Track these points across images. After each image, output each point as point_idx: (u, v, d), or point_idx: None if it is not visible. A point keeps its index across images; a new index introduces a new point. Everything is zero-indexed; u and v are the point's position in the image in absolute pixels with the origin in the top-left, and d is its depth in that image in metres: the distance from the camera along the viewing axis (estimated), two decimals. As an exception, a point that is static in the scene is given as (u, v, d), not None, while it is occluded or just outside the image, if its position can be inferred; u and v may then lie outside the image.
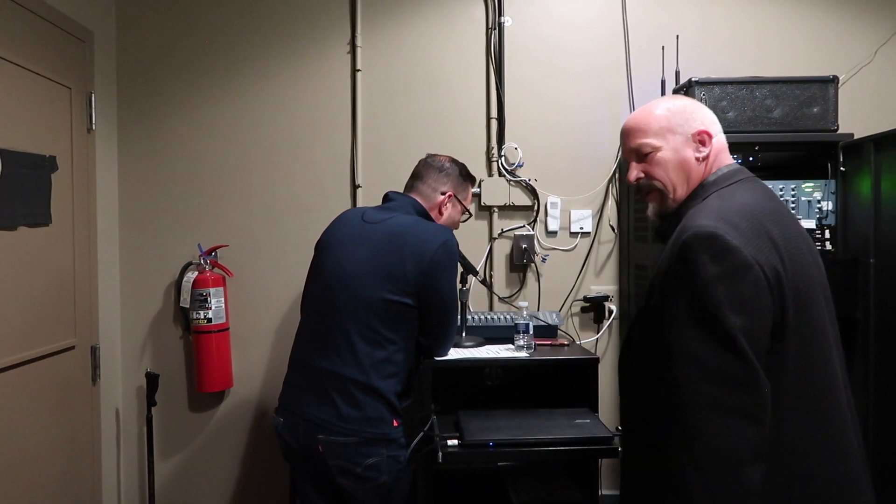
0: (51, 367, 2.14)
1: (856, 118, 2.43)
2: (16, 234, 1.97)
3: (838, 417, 1.18)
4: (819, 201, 2.21)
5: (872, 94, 2.72)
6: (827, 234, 2.20)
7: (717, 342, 1.07)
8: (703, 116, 1.33)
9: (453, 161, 2.10)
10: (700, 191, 1.29)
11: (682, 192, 1.31)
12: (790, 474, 1.12)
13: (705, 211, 1.19)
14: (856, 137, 2.17)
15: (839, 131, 2.22)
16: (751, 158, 2.24)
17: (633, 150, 1.36)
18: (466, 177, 2.12)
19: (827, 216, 2.21)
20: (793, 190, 2.21)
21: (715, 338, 1.07)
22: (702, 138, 1.31)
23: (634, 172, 1.36)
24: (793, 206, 2.20)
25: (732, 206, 1.18)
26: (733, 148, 2.25)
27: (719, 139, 1.34)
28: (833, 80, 2.23)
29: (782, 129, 2.22)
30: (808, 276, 1.17)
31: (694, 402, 1.08)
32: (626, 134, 1.38)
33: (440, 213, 2.04)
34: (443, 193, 2.04)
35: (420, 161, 2.11)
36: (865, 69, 2.73)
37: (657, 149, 1.32)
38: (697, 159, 1.31)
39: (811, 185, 2.21)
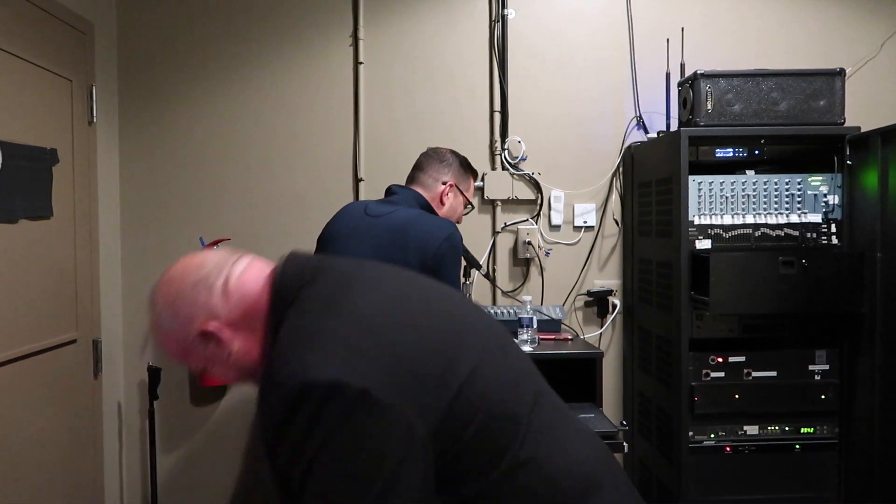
0: (52, 360, 2.13)
1: (862, 111, 2.41)
2: (16, 228, 1.96)
3: None
4: (825, 195, 2.19)
5: (879, 88, 2.70)
6: (833, 229, 2.19)
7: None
8: (199, 310, 0.99)
9: (454, 153, 2.11)
10: (271, 316, 0.99)
11: (249, 358, 1.02)
12: None
13: (286, 348, 0.90)
14: (862, 131, 2.15)
15: (846, 124, 2.20)
16: (756, 152, 2.23)
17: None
18: (468, 168, 2.12)
19: (833, 210, 2.19)
20: (799, 184, 2.19)
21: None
22: (209, 336, 0.99)
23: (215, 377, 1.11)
24: (798, 199, 2.19)
25: (314, 324, 0.91)
26: (739, 141, 2.28)
27: (239, 283, 1.03)
28: (840, 73, 2.21)
29: (788, 122, 2.20)
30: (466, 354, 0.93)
31: None
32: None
33: (441, 202, 2.03)
34: (444, 183, 2.03)
35: (422, 154, 2.12)
36: (871, 62, 2.71)
37: (200, 368, 1.06)
38: (227, 354, 1.01)
39: (817, 178, 2.20)
